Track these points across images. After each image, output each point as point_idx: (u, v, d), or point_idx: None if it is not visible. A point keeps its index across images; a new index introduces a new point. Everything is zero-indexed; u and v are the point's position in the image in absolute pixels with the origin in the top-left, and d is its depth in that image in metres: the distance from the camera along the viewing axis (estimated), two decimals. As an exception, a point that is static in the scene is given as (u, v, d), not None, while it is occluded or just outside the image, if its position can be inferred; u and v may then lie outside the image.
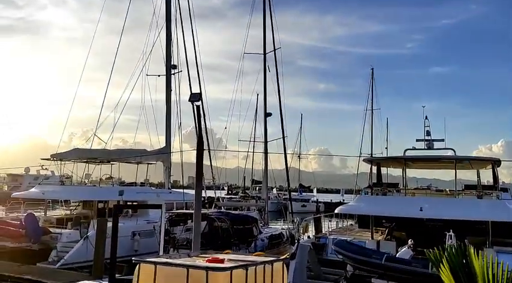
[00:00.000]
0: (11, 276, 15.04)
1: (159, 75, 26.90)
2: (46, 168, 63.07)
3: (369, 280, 13.20)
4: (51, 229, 20.35)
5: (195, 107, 5.82)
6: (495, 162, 18.84)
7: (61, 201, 25.44)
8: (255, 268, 4.30)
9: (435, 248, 3.19)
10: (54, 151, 24.57)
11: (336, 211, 17.93)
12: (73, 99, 26.75)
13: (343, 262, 14.37)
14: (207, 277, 3.86)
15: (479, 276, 2.84)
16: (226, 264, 4.28)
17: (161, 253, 7.72)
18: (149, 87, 26.84)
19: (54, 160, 24.22)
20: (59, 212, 25.14)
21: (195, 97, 5.88)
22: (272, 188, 62.72)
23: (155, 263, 4.16)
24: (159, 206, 9.51)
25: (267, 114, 26.71)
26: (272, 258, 4.69)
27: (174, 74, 26.63)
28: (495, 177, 18.74)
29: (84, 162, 24.95)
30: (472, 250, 2.99)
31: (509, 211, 15.67)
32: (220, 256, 4.86)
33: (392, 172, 23.03)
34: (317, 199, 71.93)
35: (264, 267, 4.43)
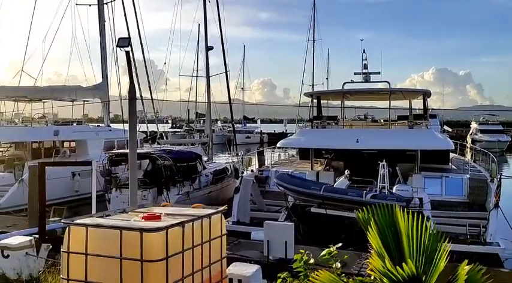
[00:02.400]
0: None
1: (90, 5, 24.87)
2: (-28, 106, 58.77)
3: (309, 209, 13.82)
4: (-18, 173, 19.39)
5: (124, 53, 5.40)
6: (425, 93, 19.77)
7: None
8: (192, 224, 4.26)
9: (364, 209, 3.26)
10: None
11: (277, 145, 18.26)
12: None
13: (285, 193, 14.91)
14: (142, 239, 3.77)
15: (404, 234, 2.95)
16: (162, 222, 4.20)
17: (94, 211, 7.53)
18: (80, 17, 24.91)
19: (-22, 99, 22.50)
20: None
21: (124, 42, 5.41)
22: (216, 120, 62.68)
23: (86, 225, 3.99)
24: (89, 163, 9.15)
25: (209, 48, 25.77)
26: (210, 211, 4.66)
27: (106, 3, 24.69)
28: (425, 108, 19.74)
29: (12, 100, 23.36)
30: (398, 209, 3.08)
31: (435, 140, 16.72)
32: (158, 210, 4.77)
33: (333, 102, 23.58)
34: (261, 131, 73.08)
35: (202, 221, 4.41)
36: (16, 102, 23.87)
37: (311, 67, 64.52)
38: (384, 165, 13.73)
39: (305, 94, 23.00)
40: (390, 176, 14.23)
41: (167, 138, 31.55)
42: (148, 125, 26.30)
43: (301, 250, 4.79)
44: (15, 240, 5.45)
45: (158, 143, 24.22)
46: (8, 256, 5.25)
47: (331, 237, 6.70)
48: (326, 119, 19.64)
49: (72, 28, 25.08)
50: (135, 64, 22.66)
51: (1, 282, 5.26)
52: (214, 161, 24.52)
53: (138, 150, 13.66)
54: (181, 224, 4.11)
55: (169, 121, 73.31)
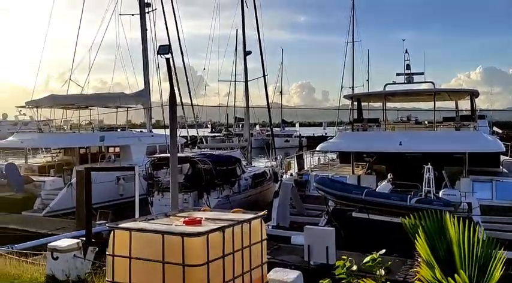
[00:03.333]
0: (-3, 225, 15.11)
1: (132, 15, 25.64)
2: (24, 114, 61.90)
3: (350, 214, 13.57)
4: (34, 178, 20.27)
5: (165, 59, 5.50)
6: (473, 93, 18.96)
7: (41, 148, 25.10)
8: (233, 229, 4.26)
9: (411, 215, 3.14)
10: (31, 94, 23.93)
11: (317, 148, 18.07)
12: (44, 40, 25.56)
13: (324, 197, 14.71)
14: (183, 243, 3.80)
15: (455, 242, 2.80)
16: (203, 227, 4.23)
17: (137, 215, 7.69)
18: (123, 26, 25.72)
19: (30, 107, 23.60)
20: (40, 160, 24.91)
21: (164, 50, 5.52)
22: (255, 124, 62.91)
23: (130, 229, 4.08)
24: (132, 168, 9.38)
25: (247, 53, 25.93)
26: (250, 216, 4.65)
27: (148, 12, 25.40)
28: (473, 109, 18.95)
29: (61, 108, 24.35)
30: (448, 216, 2.94)
31: (484, 142, 16.00)
32: (198, 215, 4.80)
33: (374, 104, 23.12)
34: (300, 134, 72.65)
35: (242, 226, 4.40)
36: (65, 110, 24.86)
37: (351, 69, 63.52)
38: (429, 168, 13.28)
39: (345, 96, 22.64)
40: (436, 180, 13.73)
41: (207, 142, 31.96)
42: (188, 129, 26.74)
43: (343, 256, 4.68)
44: (64, 242, 5.65)
45: (198, 147, 24.55)
46: (57, 258, 5.45)
47: (374, 242, 6.53)
48: (367, 122, 19.26)
49: (116, 37, 25.91)
50: (175, 71, 23.13)
51: (51, 283, 5.48)
52: (253, 165, 24.59)
53: (179, 154, 13.91)
54: (221, 229, 4.12)
55: (209, 126, 74.31)
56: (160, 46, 5.74)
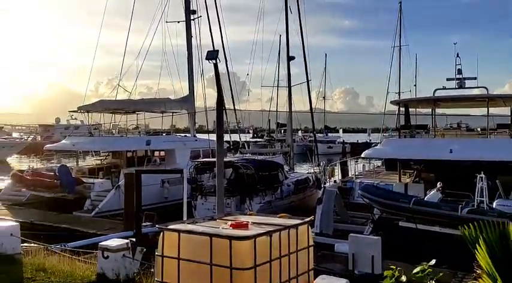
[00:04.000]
0: (50, 225, 15.82)
1: (178, 22, 26.25)
2: (75, 118, 64.86)
3: (396, 223, 13.19)
4: (84, 179, 21.06)
5: (212, 65, 5.57)
6: (530, 99, 17.99)
7: (91, 151, 26.08)
8: (279, 234, 4.24)
9: (470, 225, 2.99)
10: (82, 99, 25.00)
11: (362, 155, 17.71)
12: (95, 47, 26.58)
13: (369, 205, 14.39)
14: (231, 246, 3.82)
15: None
16: (250, 231, 4.23)
17: (185, 218, 7.81)
18: (169, 33, 26.35)
19: (81, 112, 24.63)
20: (90, 162, 25.88)
21: (212, 55, 5.60)
22: (297, 130, 62.59)
23: (179, 231, 4.14)
24: (180, 171, 9.56)
25: (290, 58, 25.92)
26: (296, 222, 4.61)
27: (193, 19, 25.91)
28: (530, 115, 18.01)
29: (110, 112, 25.22)
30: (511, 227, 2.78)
31: None
32: (245, 219, 4.81)
33: (421, 110, 22.39)
34: (343, 140, 71.58)
35: (289, 231, 4.37)
36: (113, 114, 25.77)
37: (397, 74, 61.86)
38: (482, 177, 12.69)
39: (392, 102, 22.11)
40: (489, 190, 13.10)
41: (249, 147, 32.11)
42: (230, 134, 26.99)
43: (392, 266, 4.53)
44: (114, 242, 5.82)
45: (241, 152, 24.70)
46: (107, 257, 5.62)
47: (421, 253, 6.29)
48: (415, 128, 18.69)
49: (162, 44, 26.59)
50: (226, 63, 23.35)
51: (101, 281, 5.64)
52: (295, 171, 24.45)
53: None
54: (268, 233, 4.11)
55: (251, 131, 74.71)
56: (208, 51, 5.84)
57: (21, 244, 7.66)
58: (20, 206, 19.49)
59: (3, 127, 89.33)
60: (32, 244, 7.94)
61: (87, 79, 30.01)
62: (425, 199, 13.59)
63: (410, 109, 20.90)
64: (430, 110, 19.67)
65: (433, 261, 4.27)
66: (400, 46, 61.49)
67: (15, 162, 50.80)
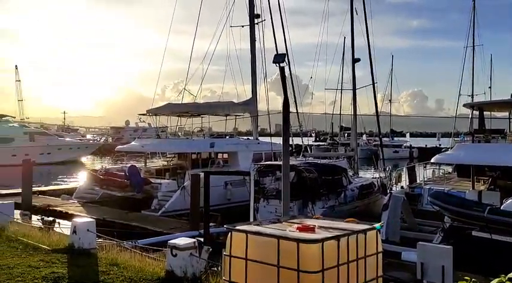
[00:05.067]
0: (120, 222, 16.65)
1: (242, 26, 26.67)
2: (143, 121, 67.88)
3: (469, 232, 12.46)
4: (151, 180, 21.95)
5: (279, 68, 5.58)
6: None
7: (158, 152, 27.14)
8: (348, 238, 4.14)
9: None
10: (149, 103, 26.20)
11: (432, 160, 16.92)
12: (164, 53, 27.71)
13: (439, 213, 13.71)
14: (298, 249, 3.78)
15: None
16: (318, 234, 4.17)
17: (251, 219, 7.87)
18: (233, 37, 26.83)
19: (150, 115, 25.74)
20: (157, 163, 26.92)
21: (280, 58, 5.61)
22: (362, 134, 61.16)
23: (246, 232, 4.18)
24: (247, 173, 9.66)
25: (355, 60, 25.39)
26: (365, 227, 4.48)
27: (257, 23, 26.22)
28: None
29: (176, 115, 26.12)
30: None
31: None
32: (311, 222, 4.76)
33: (497, 114, 21.00)
34: (410, 145, 68.84)
35: (357, 236, 4.25)
36: (179, 117, 26.68)
37: (470, 75, 58.49)
38: None
39: (464, 105, 20.94)
40: None
41: (311, 151, 31.83)
42: (293, 138, 26.91)
43: (466, 277, 4.27)
44: (182, 241, 6.00)
45: (303, 156, 24.55)
46: (176, 255, 5.80)
47: (497, 264, 5.87)
48: (490, 132, 17.57)
49: (226, 49, 27.13)
50: (289, 65, 23.33)
51: (170, 278, 5.83)
52: (360, 176, 23.87)
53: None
54: (336, 238, 4.04)
55: (313, 134, 74.05)
56: (275, 55, 5.87)
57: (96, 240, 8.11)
58: (93, 204, 20.69)
59: (78, 129, 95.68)
60: (106, 240, 8.37)
61: (155, 83, 31.38)
62: (501, 208, 12.73)
63: (485, 112, 19.70)
64: (507, 113, 18.43)
65: (511, 274, 3.96)
66: (474, 46, 58.09)
67: (89, 162, 54.09)
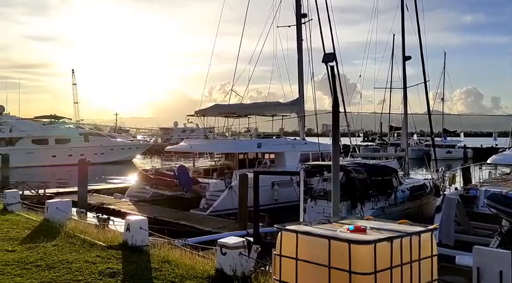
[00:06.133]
0: (170, 220, 17.07)
1: (289, 26, 26.64)
2: (191, 122, 69.34)
3: (530, 237, 11.80)
4: (199, 179, 22.36)
5: (329, 67, 5.53)
6: None
7: (206, 152, 27.61)
8: (401, 240, 4.03)
9: None
10: (197, 105, 26.67)
11: (488, 161, 16.15)
12: (211, 55, 28.20)
13: (496, 216, 13.07)
14: (350, 250, 3.72)
15: None
16: (370, 235, 4.09)
17: (301, 219, 7.83)
18: (280, 37, 26.84)
19: (198, 116, 26.25)
20: (204, 163, 27.40)
21: (329, 58, 5.56)
22: (412, 134, 59.31)
23: (296, 232, 4.16)
24: (296, 173, 9.61)
25: (406, 58, 24.69)
26: (419, 229, 4.34)
27: (304, 23, 26.10)
28: None
29: (223, 116, 26.46)
30: None
31: None
32: (362, 223, 4.66)
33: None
34: (464, 145, 65.94)
35: (411, 238, 4.12)
36: (226, 118, 27.02)
37: (530, 71, 55.16)
38: None
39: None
40: None
41: (359, 151, 31.26)
42: (340, 138, 26.52)
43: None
44: (231, 240, 6.07)
45: (352, 156, 24.16)
46: (225, 253, 5.87)
47: None
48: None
49: (273, 49, 27.18)
50: (337, 65, 23.07)
51: (220, 276, 5.92)
52: (411, 177, 23.17)
53: (331, 163, 13.81)
54: (389, 239, 3.94)
55: (361, 134, 72.61)
56: (325, 54, 5.83)
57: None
58: (144, 202, 21.34)
59: (129, 130, 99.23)
60: (157, 238, 8.60)
61: (202, 85, 32.09)
62: None
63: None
64: None
65: None
66: (533, 40, 54.74)
67: (139, 162, 55.85)
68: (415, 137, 62.50)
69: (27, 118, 55.00)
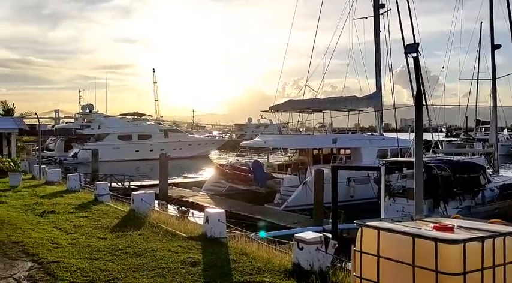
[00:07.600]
0: (245, 214, 17.37)
1: (366, 18, 25.85)
2: (265, 118, 70.03)
3: None
4: (274, 174, 22.52)
5: (411, 59, 5.26)
6: None
7: (280, 148, 27.73)
8: (493, 241, 3.74)
9: None
10: (270, 101, 26.91)
11: None
12: (285, 51, 28.21)
13: None
14: (436, 249, 3.53)
15: None
16: (457, 234, 3.84)
17: (382, 216, 7.59)
18: (356, 30, 26.14)
19: (272, 111, 26.41)
20: (278, 158, 27.53)
21: (412, 48, 5.28)
22: (502, 128, 54.94)
23: (378, 228, 4.03)
24: (377, 168, 9.34)
25: (495, 46, 22.88)
26: (513, 229, 4.00)
27: (382, 13, 25.17)
28: None
29: (297, 111, 26.39)
30: None
31: None
32: (449, 221, 4.40)
33: None
34: None
35: (504, 239, 3.81)
36: (300, 113, 26.89)
37: None
38: None
39: None
40: None
41: (442, 147, 29.58)
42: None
43: None
44: (308, 235, 6.03)
45: (434, 152, 22.92)
46: (302, 248, 5.86)
47: None
48: None
49: (349, 42, 26.54)
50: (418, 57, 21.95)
51: (296, 271, 5.91)
52: (501, 174, 21.52)
53: (411, 160, 13.20)
54: (480, 239, 3.68)
55: (444, 129, 68.61)
56: (407, 45, 5.55)
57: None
58: (220, 196, 21.95)
59: (205, 126, 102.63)
60: (234, 231, 8.80)
61: (276, 81, 32.23)
62: None
63: None
64: None
65: None
66: None
67: (215, 157, 57.55)
68: (505, 131, 57.87)
69: (114, 115, 58.95)
